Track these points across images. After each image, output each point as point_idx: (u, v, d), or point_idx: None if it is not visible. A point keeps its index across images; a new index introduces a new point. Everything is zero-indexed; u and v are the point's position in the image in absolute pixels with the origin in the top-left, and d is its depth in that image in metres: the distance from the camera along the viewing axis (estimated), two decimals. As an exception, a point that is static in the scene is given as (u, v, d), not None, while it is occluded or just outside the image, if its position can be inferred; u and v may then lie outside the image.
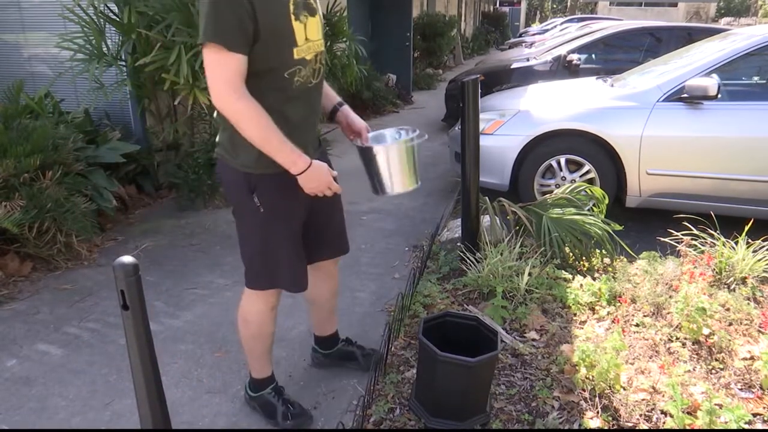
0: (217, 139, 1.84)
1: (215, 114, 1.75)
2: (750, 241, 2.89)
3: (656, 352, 2.34)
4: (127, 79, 4.11)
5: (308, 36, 1.71)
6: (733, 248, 2.88)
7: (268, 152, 1.65)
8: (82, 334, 2.68)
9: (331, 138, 5.14)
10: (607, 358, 2.08)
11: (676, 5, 36.38)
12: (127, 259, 1.37)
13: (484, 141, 3.32)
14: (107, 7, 4.04)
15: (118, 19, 4.01)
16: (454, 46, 15.16)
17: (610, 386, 2.09)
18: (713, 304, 2.50)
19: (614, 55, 6.79)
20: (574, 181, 3.84)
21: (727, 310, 2.57)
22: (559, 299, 2.75)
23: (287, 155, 1.66)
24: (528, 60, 7.25)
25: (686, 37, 6.18)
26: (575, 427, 1.97)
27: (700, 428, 1.85)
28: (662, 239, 3.06)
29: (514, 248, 2.95)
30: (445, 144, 5.85)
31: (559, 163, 3.94)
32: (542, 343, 2.45)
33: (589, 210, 3.27)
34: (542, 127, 3.93)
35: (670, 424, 1.92)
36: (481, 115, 3.27)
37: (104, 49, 4.07)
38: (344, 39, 5.97)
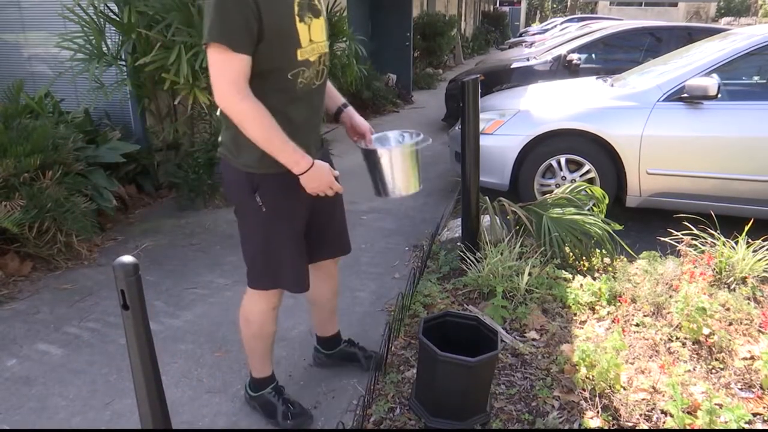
0: (219, 138, 1.84)
1: (218, 113, 1.75)
2: (750, 240, 2.89)
3: (656, 351, 2.34)
4: (127, 79, 4.11)
5: (312, 37, 1.72)
6: (734, 248, 2.88)
7: (270, 152, 1.66)
8: (82, 333, 2.68)
9: (331, 138, 5.14)
10: (607, 357, 2.08)
11: (676, 5, 36.36)
12: (127, 258, 1.37)
13: (484, 141, 3.32)
14: (107, 6, 4.04)
15: (118, 19, 4.01)
16: (454, 45, 15.16)
17: (610, 386, 2.09)
18: (713, 304, 2.50)
19: (614, 55, 6.79)
20: (574, 180, 3.84)
21: (727, 309, 2.57)
22: (559, 299, 2.75)
23: (290, 155, 1.67)
24: (528, 60, 7.24)
25: (686, 36, 6.18)
26: (575, 426, 1.97)
27: (700, 428, 1.85)
28: (662, 239, 3.06)
29: (514, 248, 2.95)
30: (445, 144, 5.84)
31: (559, 162, 3.94)
32: (542, 342, 2.45)
33: (589, 210, 3.27)
34: (542, 126, 3.93)
35: (670, 423, 1.92)
36: (481, 115, 3.27)
37: (104, 48, 4.07)
38: (344, 39, 5.98)
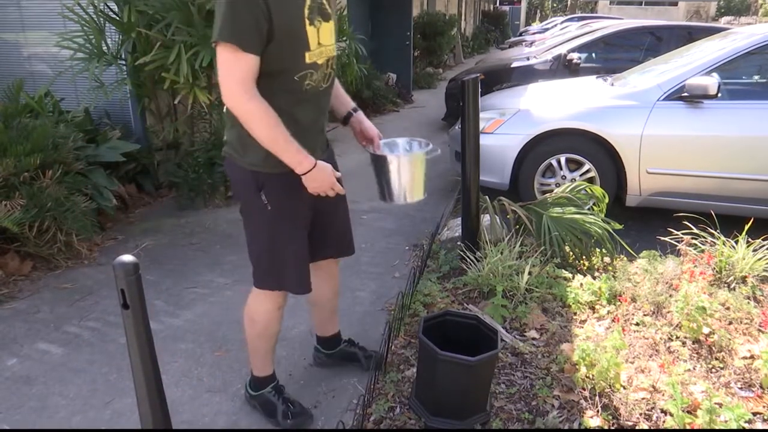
0: (224, 137, 1.85)
1: (224, 111, 1.76)
2: (750, 240, 2.89)
3: (656, 351, 2.34)
4: (127, 78, 4.11)
5: (321, 41, 1.73)
6: (734, 247, 2.88)
7: (274, 152, 1.68)
8: (83, 333, 2.68)
9: (332, 137, 5.12)
10: (607, 357, 2.08)
11: (676, 4, 36.34)
12: (127, 258, 1.37)
13: (484, 140, 3.32)
14: (107, 6, 4.04)
15: (117, 18, 4.01)
16: (454, 45, 15.15)
17: (610, 385, 2.09)
18: (713, 303, 2.50)
19: (614, 54, 6.79)
20: (575, 180, 3.84)
21: (727, 309, 2.57)
22: (559, 298, 2.75)
23: (293, 155, 1.69)
24: (528, 59, 7.24)
25: (686, 36, 6.18)
26: (575, 426, 1.97)
27: (700, 427, 1.85)
28: (662, 238, 3.06)
29: (514, 247, 2.95)
30: (445, 143, 5.83)
31: (559, 162, 3.94)
32: (542, 342, 2.45)
33: (589, 209, 3.27)
34: (542, 126, 3.93)
35: (670, 423, 1.92)
36: (482, 114, 3.27)
37: (104, 48, 4.07)
38: (344, 38, 5.98)
